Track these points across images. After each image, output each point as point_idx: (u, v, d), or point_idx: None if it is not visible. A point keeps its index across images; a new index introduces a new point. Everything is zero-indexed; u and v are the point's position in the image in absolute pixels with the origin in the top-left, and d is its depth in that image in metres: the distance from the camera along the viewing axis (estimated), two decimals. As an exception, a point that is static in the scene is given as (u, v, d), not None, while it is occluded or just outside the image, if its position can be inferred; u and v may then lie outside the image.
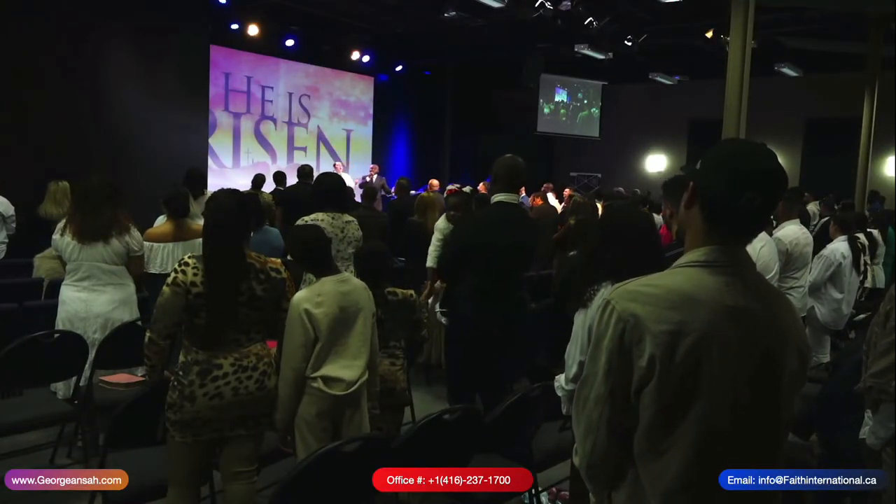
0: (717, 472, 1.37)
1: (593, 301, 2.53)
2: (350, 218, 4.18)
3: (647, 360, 1.34)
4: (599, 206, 7.82)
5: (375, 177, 13.70)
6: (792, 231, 5.24)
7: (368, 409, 3.02)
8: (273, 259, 2.81)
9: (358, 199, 10.05)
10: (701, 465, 1.37)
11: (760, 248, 4.27)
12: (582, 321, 2.56)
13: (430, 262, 5.52)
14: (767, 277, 4.30)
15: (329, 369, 2.83)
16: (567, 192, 11.80)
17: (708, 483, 1.37)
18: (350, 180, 12.78)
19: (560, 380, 2.64)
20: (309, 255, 2.96)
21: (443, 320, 4.06)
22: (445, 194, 7.98)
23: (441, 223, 5.62)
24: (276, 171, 9.76)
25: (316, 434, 2.82)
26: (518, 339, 3.78)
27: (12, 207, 6.54)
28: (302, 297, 2.81)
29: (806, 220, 6.61)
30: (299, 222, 4.01)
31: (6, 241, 6.58)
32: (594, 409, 1.42)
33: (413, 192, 9.71)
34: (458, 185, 9.04)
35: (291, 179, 9.31)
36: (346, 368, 2.85)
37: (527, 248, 3.83)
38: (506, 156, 3.73)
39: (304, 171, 8.17)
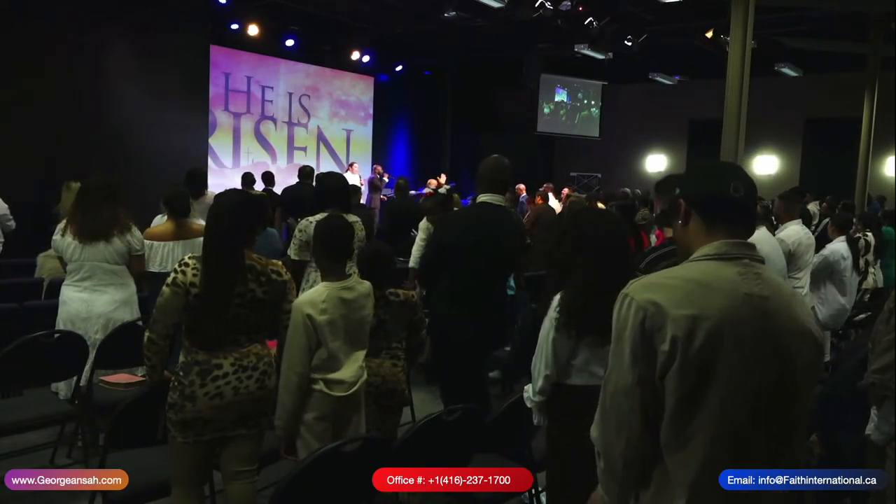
0: (738, 461, 1.40)
1: (547, 311, 2.39)
2: (355, 218, 4.15)
3: (670, 344, 1.37)
4: (601, 206, 7.80)
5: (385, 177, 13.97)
6: (794, 231, 5.24)
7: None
8: (274, 261, 2.80)
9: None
10: (722, 454, 1.39)
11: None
12: (546, 331, 2.41)
13: (411, 262, 5.52)
14: (774, 271, 4.33)
15: (331, 372, 2.83)
16: (565, 192, 11.80)
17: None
18: (358, 181, 12.85)
19: (528, 391, 2.53)
20: (330, 248, 2.87)
21: None
22: (422, 197, 8.02)
23: (424, 224, 5.65)
24: (264, 171, 9.71)
25: (316, 434, 2.81)
26: (498, 341, 3.69)
27: (6, 206, 6.47)
28: (305, 300, 2.78)
29: (807, 220, 6.61)
30: (303, 222, 4.00)
31: (2, 239, 6.53)
32: (623, 401, 1.43)
33: (412, 192, 9.76)
34: (432, 189, 8.99)
35: (291, 180, 9.30)
36: (346, 369, 2.85)
37: (506, 250, 3.66)
38: (491, 156, 3.64)
39: (305, 172, 8.18)
